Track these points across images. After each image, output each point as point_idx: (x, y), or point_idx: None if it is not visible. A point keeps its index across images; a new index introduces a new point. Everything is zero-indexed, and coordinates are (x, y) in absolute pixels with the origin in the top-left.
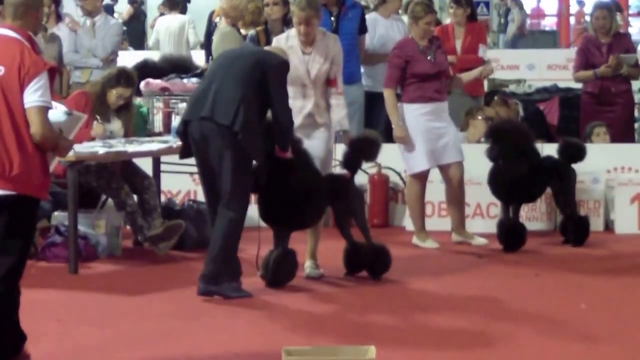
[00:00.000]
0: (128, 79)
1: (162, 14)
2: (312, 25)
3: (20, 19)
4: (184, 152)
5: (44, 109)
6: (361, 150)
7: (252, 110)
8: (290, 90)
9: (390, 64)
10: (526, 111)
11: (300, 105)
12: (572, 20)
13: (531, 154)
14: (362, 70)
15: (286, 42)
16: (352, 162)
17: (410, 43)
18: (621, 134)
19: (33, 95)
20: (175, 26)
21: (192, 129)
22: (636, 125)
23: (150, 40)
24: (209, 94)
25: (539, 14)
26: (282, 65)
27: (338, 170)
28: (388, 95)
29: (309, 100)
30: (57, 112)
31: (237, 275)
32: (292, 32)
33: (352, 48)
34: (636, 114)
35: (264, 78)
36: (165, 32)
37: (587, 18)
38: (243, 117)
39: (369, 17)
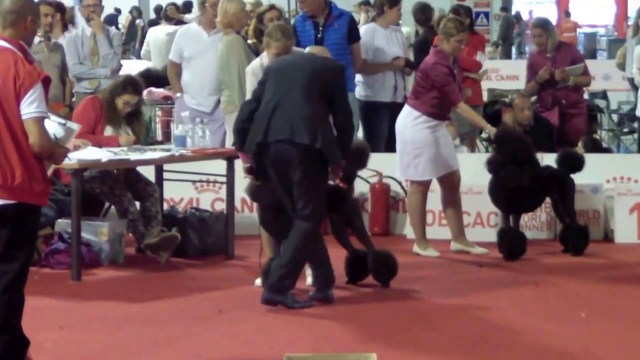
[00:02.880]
0: (135, 86)
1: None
2: (290, 53)
3: (10, 27)
4: (260, 172)
5: (41, 120)
6: (351, 161)
7: (327, 122)
8: None
9: (448, 82)
10: (535, 121)
11: None
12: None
13: (531, 164)
14: (357, 79)
15: (261, 71)
16: (345, 173)
17: (447, 59)
18: (582, 144)
19: (30, 107)
20: (161, 37)
21: (271, 150)
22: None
23: (142, 51)
24: (277, 113)
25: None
26: (340, 68)
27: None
28: (465, 108)
29: None
30: (52, 123)
31: (330, 283)
32: (264, 59)
33: (338, 58)
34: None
35: (326, 86)
36: (154, 43)
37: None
38: (322, 133)
39: (368, 27)
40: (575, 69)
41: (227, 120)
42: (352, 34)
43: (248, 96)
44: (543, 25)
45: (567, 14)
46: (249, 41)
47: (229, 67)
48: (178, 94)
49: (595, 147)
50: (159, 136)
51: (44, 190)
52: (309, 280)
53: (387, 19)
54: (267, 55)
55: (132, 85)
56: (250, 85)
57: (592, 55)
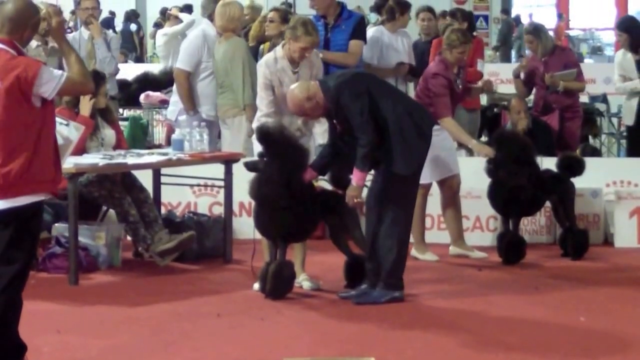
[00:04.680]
0: (99, 75)
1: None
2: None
3: (7, 34)
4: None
5: (66, 76)
6: (346, 166)
7: None
8: (278, 107)
9: (441, 94)
10: (534, 124)
11: (288, 121)
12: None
13: (531, 164)
14: None
15: (275, 65)
16: (338, 178)
17: (448, 70)
18: (574, 148)
19: (51, 81)
20: (159, 41)
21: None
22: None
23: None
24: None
25: None
26: None
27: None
28: (450, 123)
29: (297, 116)
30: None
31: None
32: (279, 53)
33: None
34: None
35: None
36: (156, 45)
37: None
38: None
39: (376, 30)
40: (567, 74)
41: (229, 124)
42: (355, 32)
43: (259, 91)
44: (534, 31)
45: (559, 17)
46: (257, 43)
47: (235, 70)
48: (191, 112)
49: (594, 155)
50: (162, 140)
51: (54, 178)
52: (306, 284)
53: (397, 25)
54: (287, 49)
55: (99, 77)
56: (263, 78)
57: None
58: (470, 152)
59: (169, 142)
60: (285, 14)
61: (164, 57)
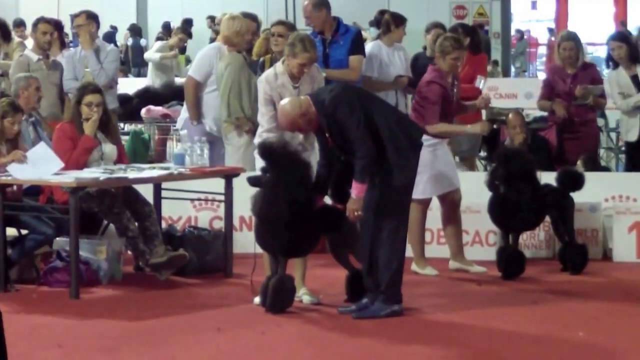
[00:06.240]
0: (91, 86)
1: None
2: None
3: None
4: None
5: None
6: (346, 180)
7: None
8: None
9: (433, 102)
10: (532, 139)
11: (290, 136)
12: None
13: (532, 180)
14: None
15: (275, 80)
16: (339, 193)
17: (444, 78)
18: (582, 163)
19: None
20: (156, 56)
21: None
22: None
23: None
24: (403, 124)
25: (533, 43)
26: None
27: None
28: (437, 127)
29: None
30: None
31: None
32: (279, 69)
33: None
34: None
35: None
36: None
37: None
38: None
39: (374, 44)
40: (596, 89)
41: (229, 139)
42: (352, 47)
43: (260, 106)
44: (575, 38)
45: (550, 31)
46: (262, 59)
47: (222, 85)
48: (195, 122)
49: (595, 166)
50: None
51: None
52: (306, 298)
53: (393, 38)
54: (287, 65)
55: (90, 86)
56: (264, 94)
57: None
58: (471, 167)
59: (162, 156)
60: (292, 28)
61: (156, 75)
